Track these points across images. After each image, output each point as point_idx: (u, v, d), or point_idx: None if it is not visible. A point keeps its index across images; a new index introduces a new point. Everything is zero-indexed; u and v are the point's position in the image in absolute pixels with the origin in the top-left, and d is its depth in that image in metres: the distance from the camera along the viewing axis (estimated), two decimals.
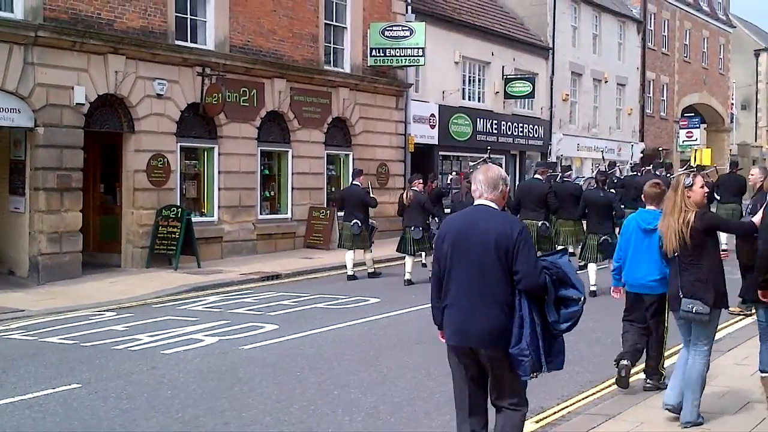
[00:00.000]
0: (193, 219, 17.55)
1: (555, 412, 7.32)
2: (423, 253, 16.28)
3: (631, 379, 7.71)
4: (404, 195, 16.18)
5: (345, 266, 16.56)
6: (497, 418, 5.27)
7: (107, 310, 12.83)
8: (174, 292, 14.52)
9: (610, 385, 8.20)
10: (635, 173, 24.14)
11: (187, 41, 18.43)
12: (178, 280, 15.70)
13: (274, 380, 8.49)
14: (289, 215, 21.34)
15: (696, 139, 43.55)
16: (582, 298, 5.12)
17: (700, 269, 6.50)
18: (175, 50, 17.86)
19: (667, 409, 6.81)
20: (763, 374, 7.01)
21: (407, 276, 15.57)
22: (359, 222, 16.21)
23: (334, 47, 22.84)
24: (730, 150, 50.64)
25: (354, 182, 17.19)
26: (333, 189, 23.11)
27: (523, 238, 5.06)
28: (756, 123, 60.04)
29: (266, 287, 15.54)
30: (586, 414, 7.03)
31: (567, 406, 7.51)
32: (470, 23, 28.80)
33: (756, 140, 59.10)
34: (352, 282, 16.05)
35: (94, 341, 10.40)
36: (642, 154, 40.38)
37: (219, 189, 19.26)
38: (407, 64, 23.89)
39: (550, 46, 33.46)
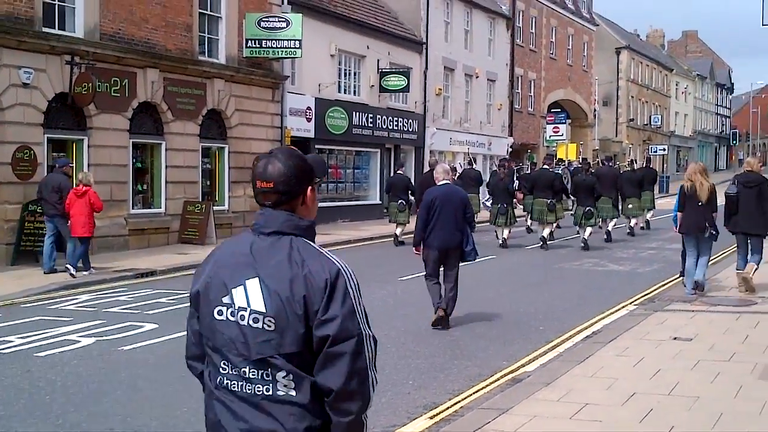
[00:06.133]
0: None
1: (448, 408, 7.34)
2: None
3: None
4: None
5: None
6: (446, 285, 10.90)
7: None
8: (43, 291, 13.88)
9: (498, 379, 8.32)
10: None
11: (55, 28, 17.66)
12: (47, 278, 15.03)
13: (158, 382, 8.21)
14: (162, 209, 20.78)
15: (562, 134, 44.88)
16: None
17: (710, 213, 12.36)
18: (43, 37, 17.09)
19: (696, 282, 12.48)
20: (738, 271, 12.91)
21: (500, 239, 21.14)
22: (404, 202, 21.58)
23: (208, 37, 22.38)
24: (588, 151, 52.47)
25: (398, 171, 23.10)
26: (208, 183, 22.68)
27: (467, 199, 11.38)
28: (617, 118, 62.42)
29: (141, 284, 15.06)
30: (479, 409, 7.07)
31: (459, 401, 7.54)
32: (346, 16, 28.77)
33: (616, 135, 61.47)
34: None
35: None
36: (511, 149, 41.37)
37: None
38: (284, 55, 23.63)
39: (424, 40, 33.79)
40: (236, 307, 2.79)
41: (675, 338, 9.55)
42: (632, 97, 64.76)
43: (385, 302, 12.88)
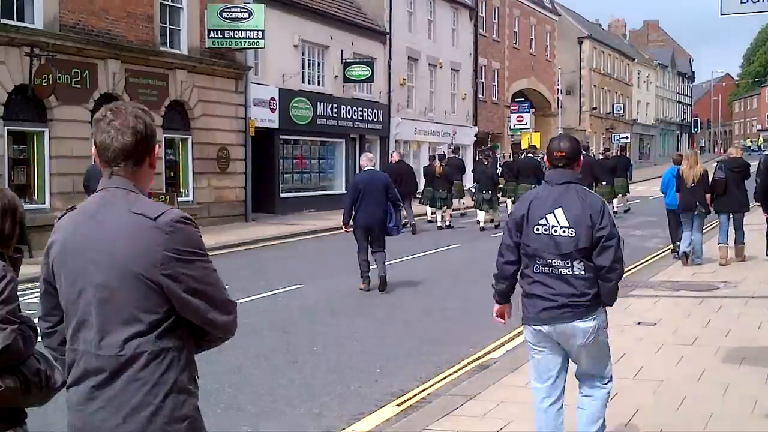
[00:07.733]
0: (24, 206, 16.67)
1: (416, 395, 7.36)
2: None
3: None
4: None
5: None
6: (375, 256, 12.57)
7: None
8: None
9: (465, 365, 8.36)
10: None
11: (14, 20, 17.43)
12: None
13: None
14: None
15: (526, 124, 45.11)
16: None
17: (702, 193, 13.66)
18: (2, 29, 16.88)
19: (684, 252, 14.10)
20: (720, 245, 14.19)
21: (481, 224, 22.61)
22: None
23: (170, 28, 22.19)
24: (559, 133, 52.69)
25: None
26: (172, 174, 22.52)
27: (389, 181, 12.87)
28: (580, 107, 62.83)
29: None
30: (446, 395, 7.11)
31: (427, 388, 7.56)
32: (308, 6, 28.65)
33: (579, 124, 61.88)
34: None
35: None
36: (476, 138, 41.53)
37: (50, 175, 18.38)
38: (247, 46, 23.50)
39: (387, 31, 33.75)
40: (550, 225, 4.82)
41: (639, 323, 9.66)
42: (595, 86, 65.19)
43: (353, 291, 12.87)
